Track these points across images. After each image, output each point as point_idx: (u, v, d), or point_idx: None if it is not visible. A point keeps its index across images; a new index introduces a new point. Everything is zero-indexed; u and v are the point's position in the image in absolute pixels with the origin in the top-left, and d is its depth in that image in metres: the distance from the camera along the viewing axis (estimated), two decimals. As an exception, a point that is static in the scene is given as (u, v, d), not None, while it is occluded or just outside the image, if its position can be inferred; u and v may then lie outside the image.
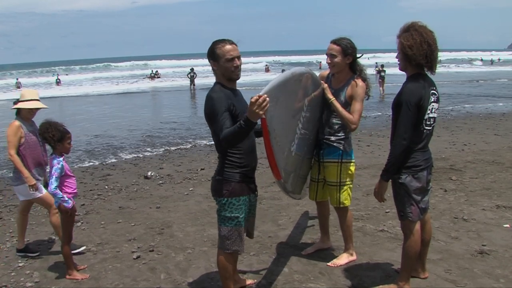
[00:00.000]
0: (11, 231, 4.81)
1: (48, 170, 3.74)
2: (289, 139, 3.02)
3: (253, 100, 2.30)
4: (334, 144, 3.46)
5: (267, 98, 2.32)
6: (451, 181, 5.89)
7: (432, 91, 2.91)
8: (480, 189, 5.51)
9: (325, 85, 3.38)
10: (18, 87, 32.05)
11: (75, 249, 4.06)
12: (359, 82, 3.38)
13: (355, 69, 3.41)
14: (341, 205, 3.52)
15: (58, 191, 3.49)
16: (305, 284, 3.36)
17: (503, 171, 6.34)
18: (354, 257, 3.67)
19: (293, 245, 4.11)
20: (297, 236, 4.31)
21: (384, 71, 20.15)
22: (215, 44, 2.75)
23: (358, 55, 3.40)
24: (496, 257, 3.63)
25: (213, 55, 2.74)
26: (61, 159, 3.56)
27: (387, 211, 4.83)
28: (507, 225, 4.32)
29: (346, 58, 3.34)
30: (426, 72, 2.94)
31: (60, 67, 57.35)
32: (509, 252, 3.72)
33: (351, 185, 3.56)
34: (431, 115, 2.92)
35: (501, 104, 15.30)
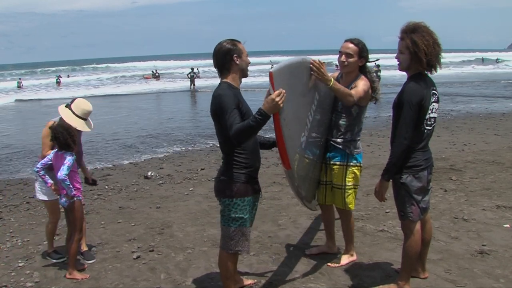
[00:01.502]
0: (11, 231, 4.81)
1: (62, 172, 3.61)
2: (300, 128, 3.00)
3: (277, 92, 2.48)
4: (340, 146, 3.40)
5: (284, 92, 2.49)
6: (451, 181, 5.89)
7: (433, 91, 2.92)
8: (480, 189, 5.51)
9: (322, 69, 3.04)
10: (19, 87, 32.19)
11: (90, 260, 3.96)
12: (364, 80, 3.34)
13: (364, 72, 3.39)
14: (347, 208, 3.48)
15: (67, 178, 3.49)
16: (305, 284, 3.36)
17: (503, 171, 6.34)
18: (354, 257, 3.67)
19: (293, 245, 4.11)
20: (297, 236, 4.31)
21: (380, 70, 20.18)
22: (233, 40, 2.78)
23: (372, 60, 3.42)
24: (496, 257, 3.63)
25: (237, 50, 2.75)
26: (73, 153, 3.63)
27: (387, 211, 4.83)
28: (507, 225, 4.32)
29: (360, 60, 3.31)
30: (427, 72, 2.95)
31: (61, 67, 57.31)
32: (509, 252, 3.72)
33: (356, 189, 3.50)
34: (432, 115, 2.94)
35: (501, 104, 15.29)
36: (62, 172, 3.48)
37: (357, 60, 3.30)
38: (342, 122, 3.38)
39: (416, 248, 3.04)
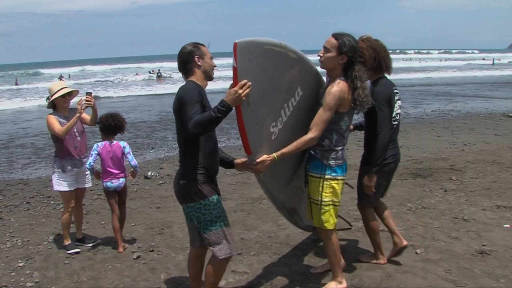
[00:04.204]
0: (11, 231, 4.81)
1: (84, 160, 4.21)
2: (270, 115, 2.83)
3: (241, 84, 2.50)
4: (317, 156, 3.01)
5: (248, 84, 2.52)
6: (451, 181, 5.89)
7: (395, 90, 3.32)
8: (480, 189, 5.51)
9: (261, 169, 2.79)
10: (16, 84, 32.38)
11: (92, 242, 4.31)
12: (335, 85, 2.86)
13: (347, 75, 2.91)
14: (322, 227, 3.07)
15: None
16: (305, 284, 3.36)
17: (503, 171, 6.34)
18: (343, 285, 3.17)
19: (293, 245, 4.11)
20: (297, 236, 4.30)
21: None
22: (195, 43, 2.76)
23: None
24: (496, 257, 3.64)
25: (198, 51, 2.72)
26: None
27: (387, 211, 4.83)
28: (507, 225, 4.32)
29: (339, 57, 2.86)
30: (385, 75, 3.36)
31: (62, 68, 57.18)
32: (509, 252, 3.72)
33: (335, 206, 3.05)
34: (397, 111, 3.33)
35: (501, 104, 15.29)
36: (134, 160, 4.20)
37: (336, 57, 2.86)
38: None
39: (377, 225, 3.55)
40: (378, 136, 3.16)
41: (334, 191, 3.02)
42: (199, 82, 2.73)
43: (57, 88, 4.10)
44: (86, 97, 4.03)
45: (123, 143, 4.24)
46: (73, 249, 4.12)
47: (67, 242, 4.18)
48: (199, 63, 2.72)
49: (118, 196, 4.26)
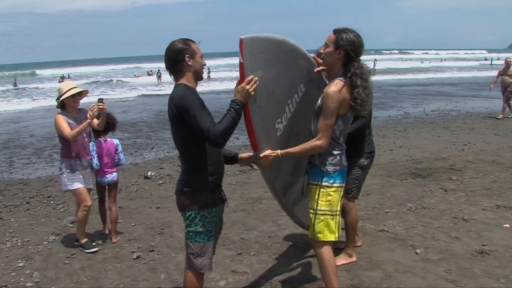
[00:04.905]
0: (11, 231, 4.81)
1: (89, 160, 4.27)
2: (274, 110, 2.79)
3: (247, 80, 2.51)
4: (316, 162, 2.82)
5: (255, 79, 2.54)
6: (451, 181, 5.89)
7: None
8: (480, 189, 5.51)
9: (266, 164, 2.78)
10: (15, 84, 32.54)
11: (91, 249, 4.17)
12: (333, 86, 2.68)
13: (347, 70, 2.70)
14: (315, 238, 2.82)
15: None
16: (305, 284, 3.35)
17: (503, 171, 6.34)
18: None
19: (293, 245, 4.11)
20: (297, 236, 4.30)
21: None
22: (186, 40, 2.58)
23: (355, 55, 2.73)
24: (496, 257, 3.63)
25: (189, 49, 2.54)
26: None
27: (387, 211, 4.83)
28: (507, 225, 4.32)
29: (337, 51, 2.69)
30: None
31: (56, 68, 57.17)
32: (509, 252, 3.72)
33: (333, 217, 2.80)
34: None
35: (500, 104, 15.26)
36: (124, 160, 4.57)
37: (333, 51, 2.70)
38: (314, 128, 2.82)
39: (356, 218, 3.70)
40: (362, 120, 3.49)
41: (331, 200, 2.78)
42: (190, 84, 2.55)
43: (67, 87, 4.07)
44: (99, 105, 4.00)
45: (116, 141, 4.50)
46: (90, 248, 4.12)
47: (83, 240, 4.17)
48: (190, 63, 2.53)
49: (109, 189, 4.55)
